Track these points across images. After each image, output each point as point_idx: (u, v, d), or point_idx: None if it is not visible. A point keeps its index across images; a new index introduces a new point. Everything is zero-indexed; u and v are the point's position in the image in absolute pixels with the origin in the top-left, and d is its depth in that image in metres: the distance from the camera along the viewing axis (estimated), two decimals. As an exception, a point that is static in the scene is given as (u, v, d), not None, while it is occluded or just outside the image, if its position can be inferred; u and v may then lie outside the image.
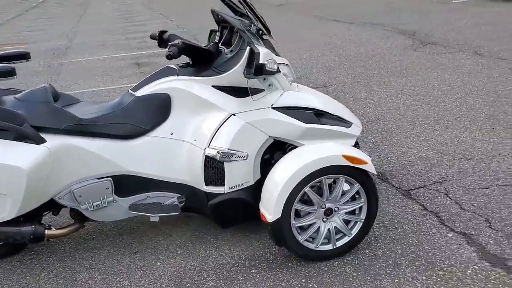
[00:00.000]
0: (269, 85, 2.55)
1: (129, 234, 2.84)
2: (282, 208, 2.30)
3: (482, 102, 4.64)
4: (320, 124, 2.58)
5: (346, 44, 8.14)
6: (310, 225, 2.44)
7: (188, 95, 2.54)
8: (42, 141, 2.35)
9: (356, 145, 2.87)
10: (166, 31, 2.86)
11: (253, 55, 2.39)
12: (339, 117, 2.71)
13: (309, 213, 2.42)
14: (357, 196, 2.46)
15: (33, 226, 2.45)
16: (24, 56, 2.74)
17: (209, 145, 2.47)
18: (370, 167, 2.38)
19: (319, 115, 2.63)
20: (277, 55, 2.71)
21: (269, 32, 2.66)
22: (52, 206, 2.55)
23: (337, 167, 2.33)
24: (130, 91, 2.63)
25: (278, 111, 2.53)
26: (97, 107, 2.61)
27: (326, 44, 8.30)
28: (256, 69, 2.33)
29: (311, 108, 2.62)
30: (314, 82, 5.91)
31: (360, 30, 9.38)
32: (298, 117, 2.54)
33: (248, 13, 2.58)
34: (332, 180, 2.42)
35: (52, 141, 2.39)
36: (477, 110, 4.44)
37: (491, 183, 3.11)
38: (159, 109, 2.58)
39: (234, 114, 2.49)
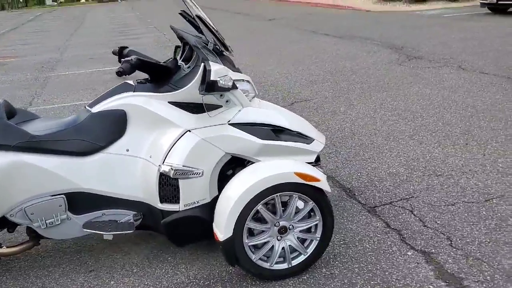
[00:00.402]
0: (227, 101, 2.53)
1: (87, 252, 2.80)
2: (233, 226, 2.26)
3: (459, 117, 4.62)
4: (278, 140, 2.56)
5: (332, 58, 8.16)
6: (264, 243, 2.40)
7: (144, 111, 2.52)
8: None
9: (318, 161, 2.86)
10: (126, 47, 2.85)
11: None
12: (299, 133, 2.69)
13: (263, 231, 2.38)
14: (312, 214, 2.43)
15: (-17, 245, 2.42)
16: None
17: (163, 162, 2.45)
18: (323, 185, 2.35)
19: (277, 131, 2.61)
20: (237, 71, 2.70)
21: (226, 48, 2.65)
22: (6, 223, 2.52)
23: (290, 184, 2.30)
24: (87, 107, 2.61)
25: (235, 127, 2.51)
26: (53, 123, 2.59)
27: (313, 58, 8.31)
28: (208, 85, 2.32)
29: (270, 124, 2.60)
30: (295, 96, 5.91)
31: (348, 44, 9.41)
32: (254, 133, 2.52)
33: (204, 30, 2.57)
34: (287, 197, 2.39)
35: (2, 158, 2.36)
36: (453, 125, 4.42)
37: (457, 199, 3.07)
38: (114, 125, 2.55)
39: (189, 131, 2.47)
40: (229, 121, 2.52)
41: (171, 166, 2.42)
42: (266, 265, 2.40)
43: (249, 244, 2.35)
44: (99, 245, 2.86)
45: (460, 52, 7.63)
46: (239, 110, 2.57)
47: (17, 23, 21.64)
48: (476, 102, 5.03)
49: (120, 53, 2.84)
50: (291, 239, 2.42)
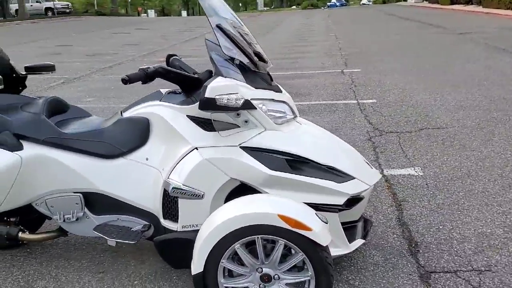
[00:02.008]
0: (246, 122, 2.28)
1: (111, 253, 2.82)
2: (204, 262, 2.01)
3: None
4: (293, 173, 2.21)
5: (506, 83, 6.96)
6: (245, 289, 2.09)
7: (163, 122, 2.42)
8: (18, 148, 2.48)
9: (354, 203, 2.38)
10: (174, 55, 2.78)
11: None
12: (331, 167, 2.29)
13: (242, 275, 2.08)
14: (305, 267, 2.02)
15: (8, 227, 2.61)
16: (49, 68, 2.94)
17: (168, 177, 2.32)
18: (315, 235, 1.93)
19: (299, 163, 2.25)
20: (274, 89, 2.41)
21: (255, 65, 2.38)
22: (35, 211, 2.68)
23: (273, 227, 1.95)
24: (121, 111, 2.62)
25: (245, 151, 2.23)
26: (89, 123, 2.66)
27: (481, 80, 7.22)
28: (202, 103, 2.11)
29: (290, 154, 2.26)
30: (429, 122, 5.17)
31: (534, 67, 7.94)
32: (264, 162, 2.21)
33: (230, 42, 2.34)
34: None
35: (30, 150, 2.50)
36: None
37: (549, 288, 2.27)
38: (138, 132, 2.51)
39: (197, 148, 2.29)
40: (241, 143, 2.26)
41: (172, 183, 2.29)
42: (246, 312, 2.09)
43: (225, 285, 2.07)
44: (125, 248, 2.86)
45: None
46: (259, 133, 2.29)
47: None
48: None
49: (167, 60, 2.79)
50: (277, 292, 2.06)
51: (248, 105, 2.20)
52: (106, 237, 2.49)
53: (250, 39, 2.49)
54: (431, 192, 3.41)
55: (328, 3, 60.66)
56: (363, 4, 64.32)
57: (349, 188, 2.28)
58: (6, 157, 2.43)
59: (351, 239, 2.44)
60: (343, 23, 22.17)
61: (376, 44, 12.82)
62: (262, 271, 2.04)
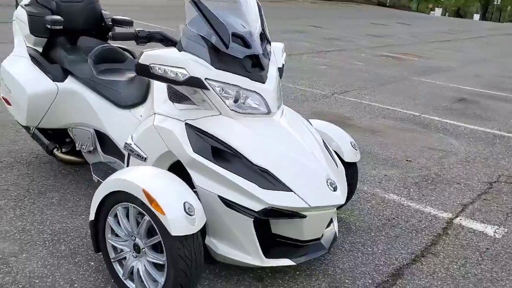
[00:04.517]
0: (203, 101, 2.28)
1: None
2: (95, 211, 2.16)
3: None
4: (213, 163, 2.13)
5: None
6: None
7: (152, 84, 2.61)
8: (59, 80, 2.99)
9: (284, 216, 2.15)
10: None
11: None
12: (264, 170, 2.12)
13: (121, 237, 2.15)
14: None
15: (49, 142, 3.18)
16: (128, 23, 3.35)
17: (132, 134, 2.52)
18: (165, 221, 1.87)
19: (233, 156, 2.16)
20: (256, 79, 2.28)
21: (226, 46, 2.27)
22: (69, 137, 3.18)
23: (140, 200, 1.96)
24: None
25: (187, 128, 2.25)
26: (125, 74, 2.99)
27: None
28: (136, 67, 2.19)
29: (228, 145, 2.17)
30: None
31: None
32: (193, 143, 2.20)
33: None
34: None
35: (68, 84, 3.00)
36: None
37: None
38: (141, 91, 2.77)
39: (155, 113, 2.41)
40: (187, 120, 2.28)
41: (129, 139, 2.48)
42: (121, 272, 2.17)
43: (109, 241, 2.17)
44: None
45: None
46: (211, 116, 2.27)
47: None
48: None
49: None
50: (143, 265, 2.07)
51: (196, 83, 2.18)
52: (92, 173, 2.83)
53: (241, 20, 2.36)
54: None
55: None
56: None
57: (272, 198, 2.09)
58: (46, 84, 2.98)
59: (281, 255, 2.24)
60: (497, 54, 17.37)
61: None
62: (135, 240, 2.08)
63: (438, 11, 58.05)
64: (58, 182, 3.24)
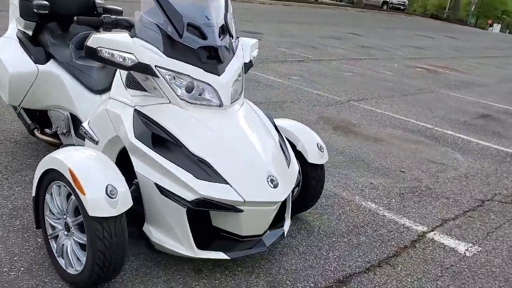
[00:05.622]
0: (155, 89, 2.30)
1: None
2: (35, 187, 2.21)
3: None
4: (150, 149, 2.14)
5: None
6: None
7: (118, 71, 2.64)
8: (41, 62, 3.08)
9: (217, 208, 2.13)
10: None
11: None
12: (202, 160, 2.12)
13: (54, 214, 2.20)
14: (89, 230, 2.00)
15: (31, 122, 3.28)
16: (118, 12, 3.41)
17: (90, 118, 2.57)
18: (85, 201, 1.89)
19: (174, 145, 2.17)
20: (209, 71, 2.28)
21: (180, 36, 2.28)
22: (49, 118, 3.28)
23: (67, 179, 1.99)
24: None
25: (134, 114, 2.28)
26: None
27: None
28: (84, 49, 2.22)
29: (170, 133, 2.18)
30: None
31: None
32: (135, 129, 2.22)
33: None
34: None
35: (49, 67, 3.09)
36: None
37: None
38: (111, 76, 2.80)
39: (110, 98, 2.45)
40: (136, 106, 2.30)
41: (85, 123, 2.53)
42: (55, 249, 2.22)
43: (47, 218, 2.22)
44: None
45: None
46: (159, 104, 2.29)
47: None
48: None
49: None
50: (71, 244, 2.11)
51: (145, 69, 2.20)
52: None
53: (205, 13, 2.37)
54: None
55: None
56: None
57: (206, 189, 2.09)
58: (28, 65, 3.09)
59: (217, 248, 2.22)
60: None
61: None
62: (66, 218, 2.11)
63: (497, 27, 55.98)
64: (38, 162, 3.32)
